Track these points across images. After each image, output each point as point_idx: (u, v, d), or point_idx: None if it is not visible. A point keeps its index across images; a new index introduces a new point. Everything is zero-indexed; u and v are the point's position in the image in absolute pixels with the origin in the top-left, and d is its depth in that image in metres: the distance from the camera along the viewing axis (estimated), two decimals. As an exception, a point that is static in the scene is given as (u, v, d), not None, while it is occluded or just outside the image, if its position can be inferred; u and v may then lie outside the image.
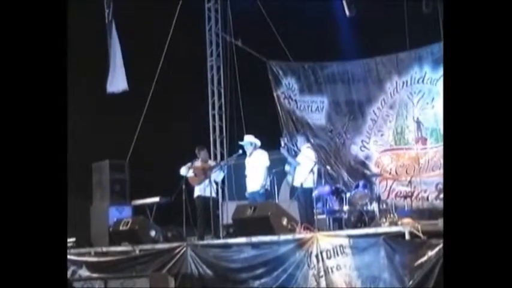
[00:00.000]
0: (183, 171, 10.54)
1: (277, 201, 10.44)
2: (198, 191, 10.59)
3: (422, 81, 11.44)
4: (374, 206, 9.72)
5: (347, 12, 11.43)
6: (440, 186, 10.35)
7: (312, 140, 11.30)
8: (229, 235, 10.28)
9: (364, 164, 11.87)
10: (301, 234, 8.50)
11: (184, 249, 9.25)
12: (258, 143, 10.53)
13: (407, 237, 7.49)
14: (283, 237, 8.52)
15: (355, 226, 9.36)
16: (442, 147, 10.24)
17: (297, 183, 10.15)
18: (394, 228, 7.89)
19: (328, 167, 11.48)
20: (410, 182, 10.55)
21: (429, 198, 10.78)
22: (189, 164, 10.58)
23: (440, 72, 10.73)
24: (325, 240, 8.08)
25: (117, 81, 12.63)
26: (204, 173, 10.49)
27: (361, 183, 10.32)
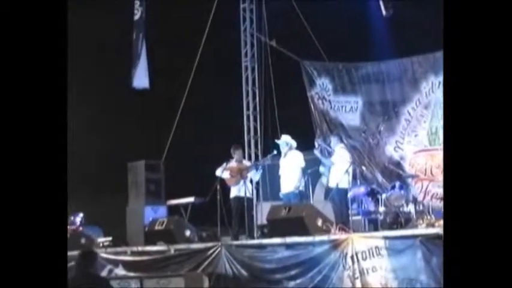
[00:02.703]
0: (219, 172, 10.58)
1: (311, 202, 10.41)
2: (234, 191, 10.63)
3: (459, 80, 11.27)
4: (410, 208, 9.61)
5: (384, 12, 11.33)
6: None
7: (345, 141, 11.23)
8: (263, 235, 10.26)
9: (398, 165, 11.75)
10: (336, 235, 8.46)
11: (219, 249, 9.27)
12: (294, 144, 10.53)
13: (444, 239, 7.40)
14: (318, 238, 8.49)
15: (390, 227, 9.27)
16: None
17: (331, 184, 10.12)
18: (431, 230, 7.82)
19: (363, 168, 11.40)
20: (447, 183, 10.38)
21: (466, 199, 10.60)
22: (224, 165, 10.62)
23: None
24: (360, 242, 8.03)
25: (142, 78, 12.80)
26: (240, 174, 10.53)
27: (397, 184, 10.20)
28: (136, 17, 13.08)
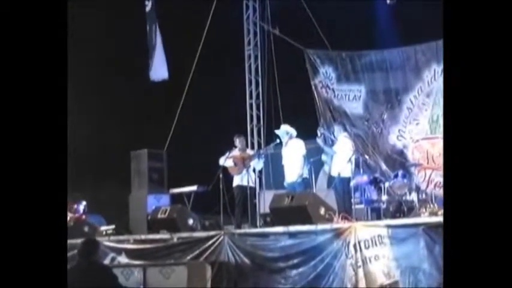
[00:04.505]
0: (222, 160, 10.59)
1: (314, 190, 10.41)
2: (237, 180, 10.64)
3: (463, 69, 11.21)
4: (413, 196, 9.60)
5: (387, 0, 11.29)
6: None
7: (349, 129, 11.21)
8: (266, 224, 10.29)
9: (401, 154, 11.75)
10: (339, 224, 8.45)
11: (222, 237, 9.28)
12: (294, 132, 10.51)
13: (447, 228, 7.39)
14: (320, 227, 8.47)
15: (393, 216, 9.26)
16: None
17: (334, 173, 10.11)
18: (434, 219, 7.79)
19: (367, 156, 11.39)
20: (450, 171, 10.36)
21: (469, 188, 10.58)
22: (227, 154, 10.62)
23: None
24: (363, 230, 8.01)
25: (159, 70, 12.82)
26: (243, 162, 10.54)
27: (400, 172, 10.19)
28: (148, 9, 13.10)
